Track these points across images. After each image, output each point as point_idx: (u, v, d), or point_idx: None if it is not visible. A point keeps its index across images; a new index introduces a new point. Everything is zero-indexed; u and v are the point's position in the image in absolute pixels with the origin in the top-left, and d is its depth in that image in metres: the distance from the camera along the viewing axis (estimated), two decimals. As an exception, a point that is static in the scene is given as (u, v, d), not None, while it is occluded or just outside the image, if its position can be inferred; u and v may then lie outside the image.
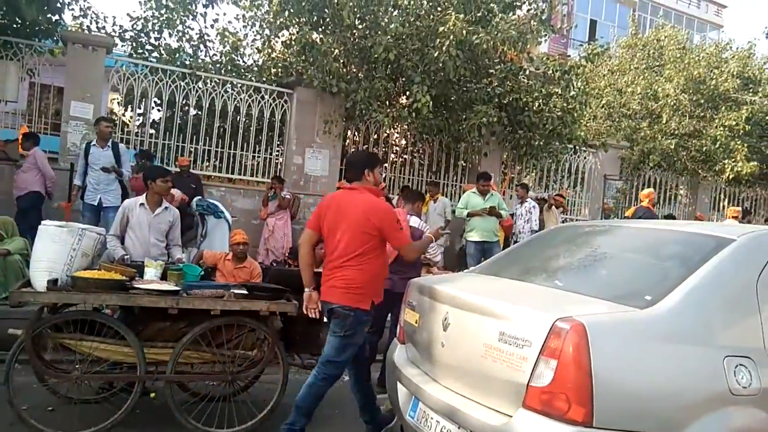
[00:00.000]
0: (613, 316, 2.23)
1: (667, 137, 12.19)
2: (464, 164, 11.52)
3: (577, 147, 11.68)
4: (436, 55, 8.71)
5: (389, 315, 4.85)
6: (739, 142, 11.84)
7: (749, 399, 2.20)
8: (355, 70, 9.72)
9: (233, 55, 10.74)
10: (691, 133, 12.23)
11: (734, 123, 11.72)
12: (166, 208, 4.69)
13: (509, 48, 9.57)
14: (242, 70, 10.69)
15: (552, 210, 10.48)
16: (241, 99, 9.25)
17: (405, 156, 11.58)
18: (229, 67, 10.52)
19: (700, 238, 2.67)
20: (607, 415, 2.05)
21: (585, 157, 12.34)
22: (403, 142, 11.94)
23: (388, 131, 10.73)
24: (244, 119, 9.37)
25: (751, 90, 12.82)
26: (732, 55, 13.47)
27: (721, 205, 13.91)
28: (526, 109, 10.09)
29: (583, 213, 11.94)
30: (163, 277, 3.83)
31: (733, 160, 11.85)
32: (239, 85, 9.39)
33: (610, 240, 3.08)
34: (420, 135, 10.98)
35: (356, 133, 10.80)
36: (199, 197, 7.59)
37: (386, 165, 11.13)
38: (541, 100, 10.09)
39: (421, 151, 11.45)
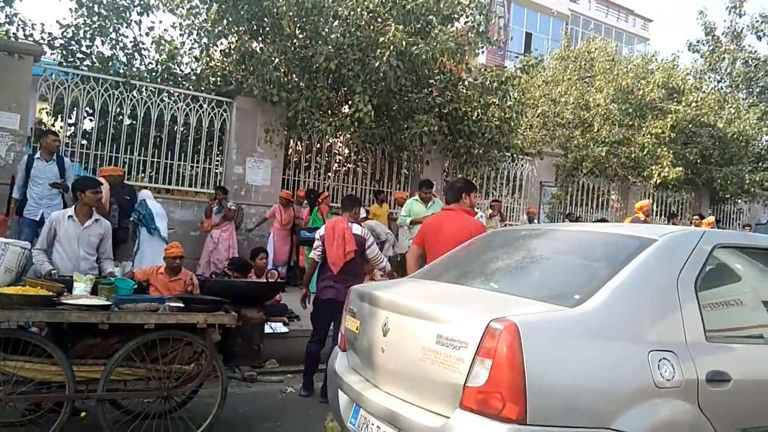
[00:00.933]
0: (544, 315, 2.30)
1: (598, 145, 12.72)
2: (407, 173, 11.66)
3: (514, 155, 12.03)
4: (377, 65, 8.79)
5: (332, 324, 4.83)
6: (665, 149, 12.49)
7: (673, 391, 2.31)
8: (296, 79, 9.69)
9: (170, 64, 10.49)
10: (621, 141, 12.80)
11: (660, 131, 12.36)
12: (96, 220, 4.51)
13: (448, 59, 9.79)
14: (179, 79, 10.44)
15: (493, 217, 10.77)
16: (178, 108, 9.03)
17: (348, 165, 11.61)
18: (166, 76, 10.25)
19: (625, 239, 2.80)
20: (540, 412, 2.10)
21: (522, 165, 12.72)
22: (346, 151, 11.97)
23: (330, 140, 10.73)
24: (181, 129, 9.15)
25: (675, 99, 13.55)
26: (657, 67, 14.22)
27: (651, 209, 14.63)
28: (466, 118, 10.33)
29: (522, 219, 12.29)
30: (94, 291, 3.67)
31: (660, 166, 12.47)
32: (176, 94, 9.17)
33: (543, 243, 3.18)
34: (363, 144, 11.05)
35: (299, 143, 10.75)
36: (141, 200, 7.37)
37: (329, 174, 11.14)
38: (479, 110, 10.35)
39: (364, 160, 11.51)
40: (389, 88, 9.40)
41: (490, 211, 10.95)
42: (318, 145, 10.55)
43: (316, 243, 5.01)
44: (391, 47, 8.62)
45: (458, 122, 10.40)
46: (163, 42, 10.26)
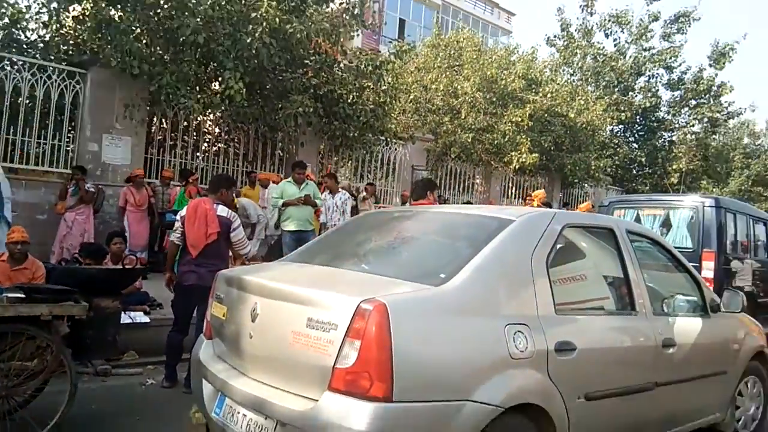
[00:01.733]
0: (411, 294, 2.36)
1: (465, 131, 13.35)
2: (281, 154, 11.43)
3: (388, 139, 12.27)
4: (249, 41, 8.46)
5: (195, 311, 4.60)
6: (523, 137, 13.42)
7: (525, 361, 2.49)
8: (160, 51, 9.02)
9: (13, 29, 9.30)
10: (485, 128, 13.54)
11: (520, 119, 13.24)
12: None
13: (324, 40, 9.68)
14: (24, 47, 9.30)
15: (367, 200, 10.92)
16: (22, 78, 8.04)
17: (219, 145, 11.12)
18: (8, 42, 9.08)
19: (486, 220, 2.95)
20: (406, 389, 2.16)
21: (396, 149, 13.02)
22: (217, 130, 11.45)
23: (199, 118, 10.19)
24: (26, 101, 8.17)
25: (533, 90, 14.58)
26: (518, 59, 15.19)
27: (510, 192, 15.72)
28: (341, 101, 10.31)
29: (395, 201, 12.60)
30: None
31: (518, 152, 13.39)
32: (20, 63, 8.15)
33: (412, 224, 3.27)
34: (234, 123, 10.63)
35: (164, 120, 10.07)
36: None
37: (198, 154, 10.60)
38: (355, 93, 10.38)
39: (236, 140, 11.09)
40: (262, 66, 9.10)
41: (364, 194, 11.09)
42: (185, 123, 9.96)
43: (177, 224, 4.72)
44: (264, 23, 8.33)
45: (333, 104, 10.34)
46: (4, 5, 9.06)
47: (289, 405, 2.30)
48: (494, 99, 13.89)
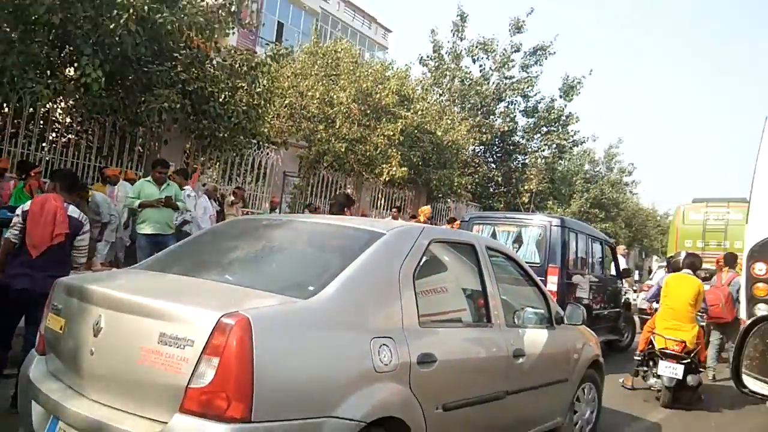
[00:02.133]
0: (277, 308, 2.27)
1: (339, 141, 13.43)
2: (141, 150, 10.65)
3: (260, 143, 11.96)
4: (112, 27, 7.80)
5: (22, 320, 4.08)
6: (394, 150, 13.81)
7: (389, 374, 2.51)
8: (7, 28, 7.99)
9: None
10: (359, 139, 13.73)
11: (392, 133, 13.62)
12: None
13: (196, 34, 9.23)
14: None
15: (235, 205, 10.53)
16: None
17: (70, 136, 10.09)
18: None
19: (357, 232, 2.95)
20: (266, 408, 2.06)
21: (268, 154, 12.73)
22: (69, 120, 10.40)
23: (48, 106, 9.18)
24: None
25: (405, 106, 15.07)
26: (393, 75, 15.63)
27: (380, 203, 16.07)
28: (212, 99, 9.87)
29: (264, 207, 12.31)
30: None
31: (389, 165, 13.75)
32: None
33: (282, 233, 3.18)
34: (89, 114, 9.71)
35: (6, 105, 8.92)
36: None
37: (44, 144, 9.53)
38: (227, 93, 9.98)
39: (90, 132, 10.14)
40: (125, 55, 8.44)
41: (232, 198, 10.69)
42: (31, 110, 8.91)
43: (15, 220, 4.13)
44: (131, 10, 7.73)
45: (203, 102, 9.86)
46: None
47: (134, 429, 2.09)
48: (368, 111, 14.14)
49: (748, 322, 2.16)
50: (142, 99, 9.09)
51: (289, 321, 2.25)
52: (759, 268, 4.51)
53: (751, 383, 2.01)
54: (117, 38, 7.92)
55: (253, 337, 2.05)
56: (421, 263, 2.91)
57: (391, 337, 2.56)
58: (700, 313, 6.86)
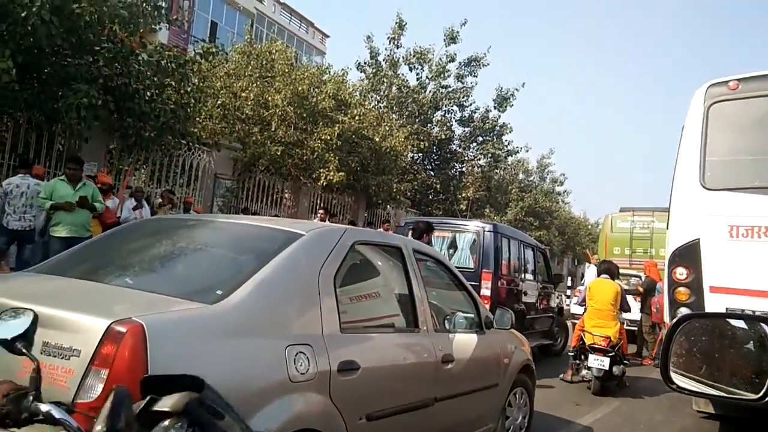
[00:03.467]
0: (177, 314, 2.06)
1: (275, 144, 13.11)
2: (61, 148, 9.99)
3: (190, 144, 11.50)
4: (24, 14, 7.25)
5: None
6: (331, 155, 13.61)
7: (306, 384, 2.34)
8: None
9: None
10: (296, 143, 13.45)
11: (329, 138, 13.41)
12: None
13: (120, 29, 8.76)
14: None
15: (163, 207, 10.03)
16: None
17: (-22, 132, 9.35)
18: None
19: (274, 232, 2.77)
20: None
21: (200, 155, 12.26)
22: (-24, 114, 9.62)
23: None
24: None
25: (342, 111, 14.92)
26: (329, 79, 15.46)
27: (317, 208, 15.82)
28: (137, 96, 9.38)
29: (195, 210, 11.81)
30: None
31: (326, 169, 13.54)
32: None
33: (194, 234, 2.95)
34: (1, 109, 9.01)
35: None
36: None
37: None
38: (154, 90, 9.52)
39: (4, 129, 9.42)
40: (40, 47, 7.87)
41: (160, 200, 10.20)
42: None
43: None
44: (45, -1, 7.22)
45: (127, 99, 9.36)
46: None
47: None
48: (305, 115, 13.88)
49: (674, 320, 2.23)
50: (59, 94, 8.52)
51: (191, 328, 2.04)
52: (680, 272, 4.65)
53: (679, 380, 2.08)
54: (29, 27, 7.37)
55: (147, 346, 1.84)
56: (344, 266, 2.76)
57: (309, 344, 2.40)
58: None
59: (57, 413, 1.09)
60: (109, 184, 8.34)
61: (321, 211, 12.71)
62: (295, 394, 2.28)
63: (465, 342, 3.63)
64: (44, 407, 1.11)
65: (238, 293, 2.24)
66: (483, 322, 3.91)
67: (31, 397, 1.13)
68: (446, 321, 3.67)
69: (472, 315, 3.87)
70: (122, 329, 1.84)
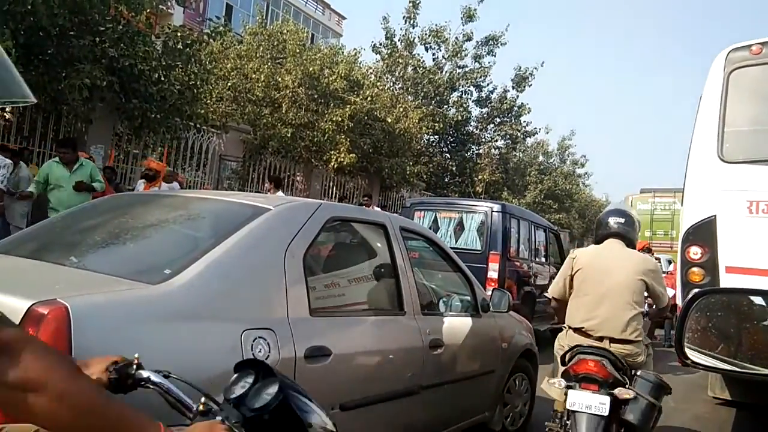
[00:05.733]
0: (111, 295, 1.86)
1: (285, 126, 12.93)
2: (70, 131, 9.94)
3: (199, 126, 11.36)
4: (23, -7, 7.12)
5: None
6: (343, 137, 13.38)
7: (267, 371, 2.14)
8: None
9: None
10: (306, 125, 13.25)
11: (340, 119, 13.18)
12: None
13: (127, 8, 8.63)
14: None
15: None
16: None
17: (-17, 115, 9.33)
18: None
19: (238, 207, 2.56)
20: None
21: (210, 138, 12.14)
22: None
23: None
24: None
25: (355, 92, 14.65)
26: (342, 59, 15.17)
27: (331, 191, 15.64)
28: (143, 77, 9.24)
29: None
30: None
31: (338, 152, 13.32)
32: None
33: (153, 210, 2.75)
34: (5, 90, 8.97)
35: None
36: None
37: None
38: (161, 71, 9.37)
39: (9, 111, 9.38)
40: (42, 27, 7.76)
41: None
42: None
43: None
44: (44, -24, 7.08)
45: (133, 80, 9.23)
46: None
47: None
48: (316, 96, 13.66)
49: (690, 295, 2.20)
50: (64, 75, 8.42)
51: (127, 311, 1.85)
52: (694, 251, 4.35)
53: (694, 356, 2.08)
54: (29, 7, 7.24)
55: (71, 330, 1.65)
56: (317, 244, 2.55)
57: (270, 329, 2.19)
58: None
59: (155, 378, 1.26)
60: (156, 170, 8.16)
61: (366, 199, 11.90)
62: (253, 383, 2.09)
63: (457, 326, 3.41)
64: (144, 374, 1.27)
65: (187, 273, 2.03)
66: (479, 304, 3.68)
67: (135, 366, 1.27)
68: (440, 304, 3.45)
69: (468, 297, 3.65)
70: (44, 311, 1.66)
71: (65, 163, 6.14)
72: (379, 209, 9.16)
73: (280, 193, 8.70)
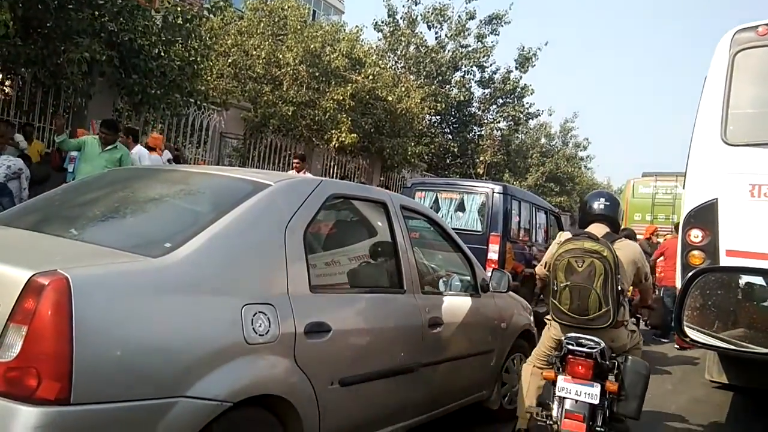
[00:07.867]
0: (112, 267, 1.87)
1: (286, 104, 12.82)
2: (67, 105, 9.88)
3: (200, 102, 11.28)
4: (20, -36, 7.03)
5: None
6: (344, 116, 13.28)
7: (266, 346, 2.15)
8: None
9: None
10: (307, 103, 13.13)
11: (341, 98, 13.07)
12: None
13: (127, -19, 8.52)
14: None
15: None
16: None
17: (-18, 88, 9.26)
18: None
19: (238, 183, 2.55)
20: (91, 388, 1.69)
21: (210, 115, 12.06)
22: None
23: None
24: None
25: (356, 70, 14.51)
26: (344, 37, 15.00)
27: (332, 171, 15.58)
28: (143, 53, 9.15)
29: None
30: None
31: (339, 131, 13.24)
32: None
33: (153, 184, 2.75)
34: (4, 64, 8.88)
35: None
36: None
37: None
38: (161, 47, 9.28)
39: (9, 86, 9.32)
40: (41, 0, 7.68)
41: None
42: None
43: None
44: (41, -53, 6.98)
45: (133, 55, 9.15)
46: None
47: None
48: (317, 74, 13.53)
49: (690, 274, 2.23)
50: (63, 48, 8.33)
51: (128, 283, 1.85)
52: (695, 234, 4.34)
53: (693, 334, 2.13)
54: (28, -22, 7.16)
55: (72, 301, 1.66)
56: (318, 221, 2.54)
57: (270, 304, 2.20)
58: None
59: None
60: (156, 144, 8.44)
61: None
62: (252, 357, 2.10)
63: (457, 305, 3.42)
64: None
65: (188, 246, 2.04)
66: (479, 284, 3.69)
67: None
68: (440, 283, 3.46)
69: (468, 277, 3.66)
70: (44, 282, 1.66)
71: (103, 142, 6.33)
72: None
73: (308, 174, 8.63)
